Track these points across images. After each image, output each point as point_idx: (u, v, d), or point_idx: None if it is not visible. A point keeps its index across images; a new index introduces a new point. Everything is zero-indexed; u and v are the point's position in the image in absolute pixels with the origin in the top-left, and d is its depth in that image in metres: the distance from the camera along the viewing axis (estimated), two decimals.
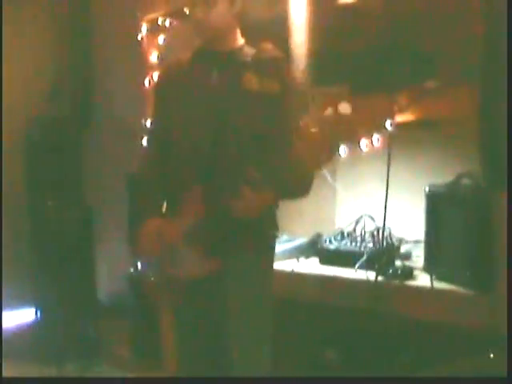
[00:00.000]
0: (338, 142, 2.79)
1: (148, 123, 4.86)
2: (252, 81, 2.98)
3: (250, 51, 3.09)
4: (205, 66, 3.07)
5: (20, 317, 5.92)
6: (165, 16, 5.03)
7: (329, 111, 2.62)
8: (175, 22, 5.03)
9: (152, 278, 3.37)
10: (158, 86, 3.36)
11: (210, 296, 3.10)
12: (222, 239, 2.96)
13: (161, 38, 5.10)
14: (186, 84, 3.10)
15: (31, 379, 4.43)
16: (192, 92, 3.07)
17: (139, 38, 5.13)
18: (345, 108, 2.60)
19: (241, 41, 3.12)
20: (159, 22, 5.05)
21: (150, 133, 3.46)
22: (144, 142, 4.81)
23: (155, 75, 5.01)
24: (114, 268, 5.98)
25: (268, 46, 3.11)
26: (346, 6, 4.17)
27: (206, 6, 2.96)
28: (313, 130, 2.63)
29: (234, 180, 2.86)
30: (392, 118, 3.65)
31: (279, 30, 4.33)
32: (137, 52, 5.18)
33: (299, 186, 2.93)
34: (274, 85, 2.97)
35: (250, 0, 3.43)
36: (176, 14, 4.92)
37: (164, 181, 3.17)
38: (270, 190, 2.81)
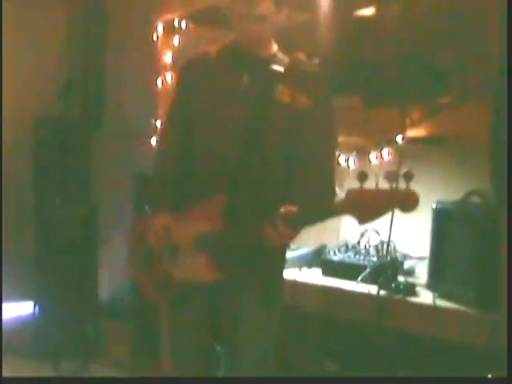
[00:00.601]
0: None
1: (159, 123, 4.86)
2: (284, 93, 2.81)
3: (283, 60, 2.91)
4: (235, 66, 2.90)
5: (19, 312, 5.92)
6: (181, 18, 5.02)
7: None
8: (191, 25, 5.02)
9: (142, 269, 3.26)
10: (182, 78, 3.12)
11: (210, 300, 3.03)
12: (231, 253, 2.84)
13: (176, 40, 5.09)
14: (213, 81, 2.92)
15: (31, 379, 4.42)
16: (218, 91, 2.90)
17: (154, 37, 5.12)
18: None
19: (275, 47, 2.95)
20: (175, 24, 5.04)
21: (166, 130, 3.19)
22: (155, 140, 4.82)
23: (168, 76, 5.01)
24: (117, 268, 5.97)
25: (302, 58, 2.95)
26: (364, 19, 4.16)
27: (257, 22, 2.77)
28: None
29: (258, 199, 2.80)
30: (403, 132, 3.63)
31: (299, 38, 4.33)
32: (151, 52, 5.18)
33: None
34: (305, 100, 2.82)
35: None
36: (192, 16, 4.91)
37: (180, 183, 3.03)
38: (303, 227, 2.67)
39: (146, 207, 3.28)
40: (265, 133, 2.81)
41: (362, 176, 2.42)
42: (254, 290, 2.94)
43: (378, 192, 2.39)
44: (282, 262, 3.10)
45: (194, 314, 3.04)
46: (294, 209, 2.62)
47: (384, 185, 2.37)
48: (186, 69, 3.07)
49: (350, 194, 2.45)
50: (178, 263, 2.99)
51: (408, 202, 2.38)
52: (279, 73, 2.85)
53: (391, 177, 2.37)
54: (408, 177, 2.36)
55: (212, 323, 3.06)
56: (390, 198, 2.38)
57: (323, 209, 2.63)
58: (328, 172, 2.89)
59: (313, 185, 2.81)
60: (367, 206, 2.41)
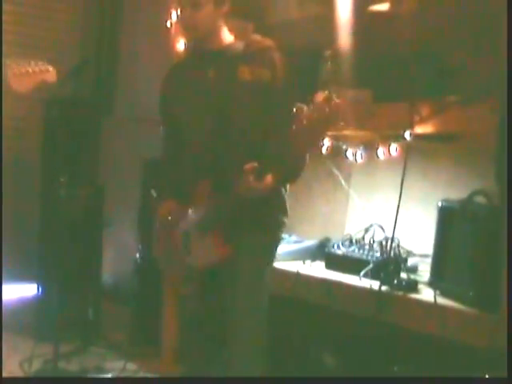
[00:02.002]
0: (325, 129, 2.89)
1: None
2: (245, 71, 3.16)
3: (240, 46, 3.26)
4: (201, 64, 3.27)
5: (21, 291, 5.95)
6: None
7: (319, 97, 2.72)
8: None
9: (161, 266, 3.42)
10: (163, 88, 3.51)
11: (217, 285, 3.25)
12: (233, 226, 3.12)
13: None
14: (186, 82, 3.32)
15: (31, 379, 4.44)
16: (192, 88, 3.28)
17: (168, 24, 5.11)
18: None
19: (230, 38, 3.29)
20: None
21: (162, 128, 3.60)
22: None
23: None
24: (121, 251, 6.00)
25: (257, 38, 3.29)
26: (376, 14, 4.15)
27: (192, 8, 3.13)
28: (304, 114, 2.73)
29: (239, 167, 3.00)
30: (411, 128, 3.62)
31: (312, 31, 4.34)
32: (164, 39, 5.16)
33: (294, 168, 3.13)
34: (265, 73, 3.15)
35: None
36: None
37: (178, 173, 3.39)
38: (270, 177, 2.98)
39: (152, 192, 3.51)
40: (234, 109, 3.17)
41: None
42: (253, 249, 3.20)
43: None
44: (279, 229, 3.32)
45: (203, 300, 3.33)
46: (255, 164, 2.93)
47: None
48: (165, 78, 3.52)
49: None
50: (192, 251, 3.21)
51: None
52: (237, 56, 3.21)
53: None
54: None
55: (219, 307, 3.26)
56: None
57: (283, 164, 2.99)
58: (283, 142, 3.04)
59: (275, 146, 3.04)
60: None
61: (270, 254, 3.32)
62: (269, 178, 2.97)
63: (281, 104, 3.12)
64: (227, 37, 3.29)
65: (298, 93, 3.15)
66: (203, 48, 3.27)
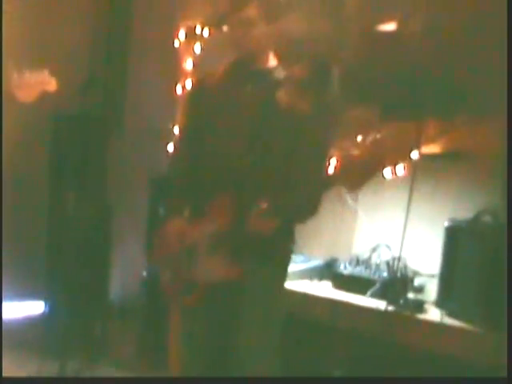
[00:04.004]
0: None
1: (176, 129, 4.87)
2: (283, 98, 3.07)
3: (282, 71, 3.19)
4: (239, 80, 3.19)
5: (28, 308, 5.94)
6: (203, 25, 5.03)
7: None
8: (213, 32, 5.03)
9: (167, 279, 3.39)
10: (192, 95, 3.48)
11: (224, 302, 3.19)
12: (243, 249, 3.07)
13: (197, 47, 5.11)
14: (220, 95, 3.22)
15: (31, 379, 4.43)
16: (225, 103, 3.20)
17: (176, 44, 5.14)
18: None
19: (273, 61, 3.21)
20: (197, 31, 5.05)
21: (181, 138, 3.51)
22: (171, 146, 4.84)
23: (188, 82, 5.02)
24: (128, 269, 5.99)
25: (299, 68, 3.21)
26: (384, 33, 4.16)
27: (245, 25, 3.06)
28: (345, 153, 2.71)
29: (258, 191, 3.00)
30: (418, 147, 3.62)
31: (320, 50, 4.34)
32: (172, 58, 5.19)
33: (306, 210, 3.08)
34: (303, 104, 3.05)
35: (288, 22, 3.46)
36: (215, 24, 4.92)
37: (192, 185, 3.29)
38: (277, 219, 2.95)
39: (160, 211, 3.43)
40: (267, 134, 3.09)
41: None
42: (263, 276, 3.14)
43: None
44: (288, 253, 3.28)
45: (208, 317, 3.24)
46: (264, 204, 2.90)
47: None
48: (195, 87, 3.47)
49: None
50: (198, 266, 3.15)
51: None
52: (278, 81, 3.13)
53: None
54: None
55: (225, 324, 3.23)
56: None
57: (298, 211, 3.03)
58: (312, 181, 3.04)
59: (298, 186, 3.02)
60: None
61: (279, 279, 3.27)
62: (277, 220, 2.94)
63: (314, 138, 3.08)
64: (271, 60, 3.21)
65: (334, 128, 3.18)
66: (245, 67, 3.19)
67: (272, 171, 3.09)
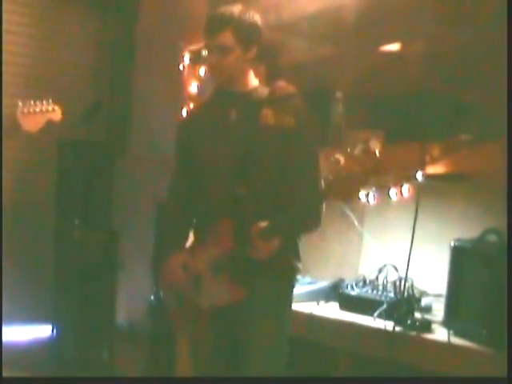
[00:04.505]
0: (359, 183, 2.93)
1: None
2: (268, 116, 3.16)
3: (264, 91, 3.28)
4: (224, 106, 3.26)
5: (36, 332, 5.95)
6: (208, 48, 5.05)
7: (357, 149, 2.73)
8: None
9: (174, 307, 3.41)
10: (180, 125, 3.60)
11: (230, 325, 3.23)
12: (248, 271, 3.11)
13: (202, 70, 5.14)
14: (208, 122, 3.31)
15: (31, 379, 4.43)
16: (214, 129, 3.27)
17: (181, 67, 5.16)
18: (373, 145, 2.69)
19: (255, 82, 3.31)
20: (202, 54, 5.08)
21: (176, 167, 3.52)
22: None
23: (192, 106, 5.04)
24: (135, 294, 5.99)
25: (281, 84, 3.30)
26: (387, 55, 4.19)
27: (221, 52, 3.14)
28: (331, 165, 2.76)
29: (258, 211, 3.09)
30: (423, 168, 3.64)
31: (322, 73, 4.37)
32: (177, 81, 5.22)
33: (318, 220, 3.16)
34: (288, 119, 3.15)
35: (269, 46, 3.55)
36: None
37: (191, 212, 3.37)
38: (279, 237, 3.01)
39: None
40: (256, 153, 3.16)
41: None
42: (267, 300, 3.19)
43: None
44: (294, 271, 3.30)
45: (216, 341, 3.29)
46: (263, 224, 2.99)
47: None
48: (185, 118, 3.64)
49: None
50: (203, 293, 3.19)
51: None
52: (261, 100, 3.21)
53: None
54: None
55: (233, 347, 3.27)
56: None
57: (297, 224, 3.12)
58: (310, 191, 3.12)
59: (296, 201, 3.12)
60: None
61: (285, 299, 3.29)
62: (276, 240, 3.00)
63: (304, 152, 3.17)
64: (253, 81, 3.29)
65: (320, 141, 3.20)
66: (227, 90, 3.27)
67: (268, 190, 3.16)
